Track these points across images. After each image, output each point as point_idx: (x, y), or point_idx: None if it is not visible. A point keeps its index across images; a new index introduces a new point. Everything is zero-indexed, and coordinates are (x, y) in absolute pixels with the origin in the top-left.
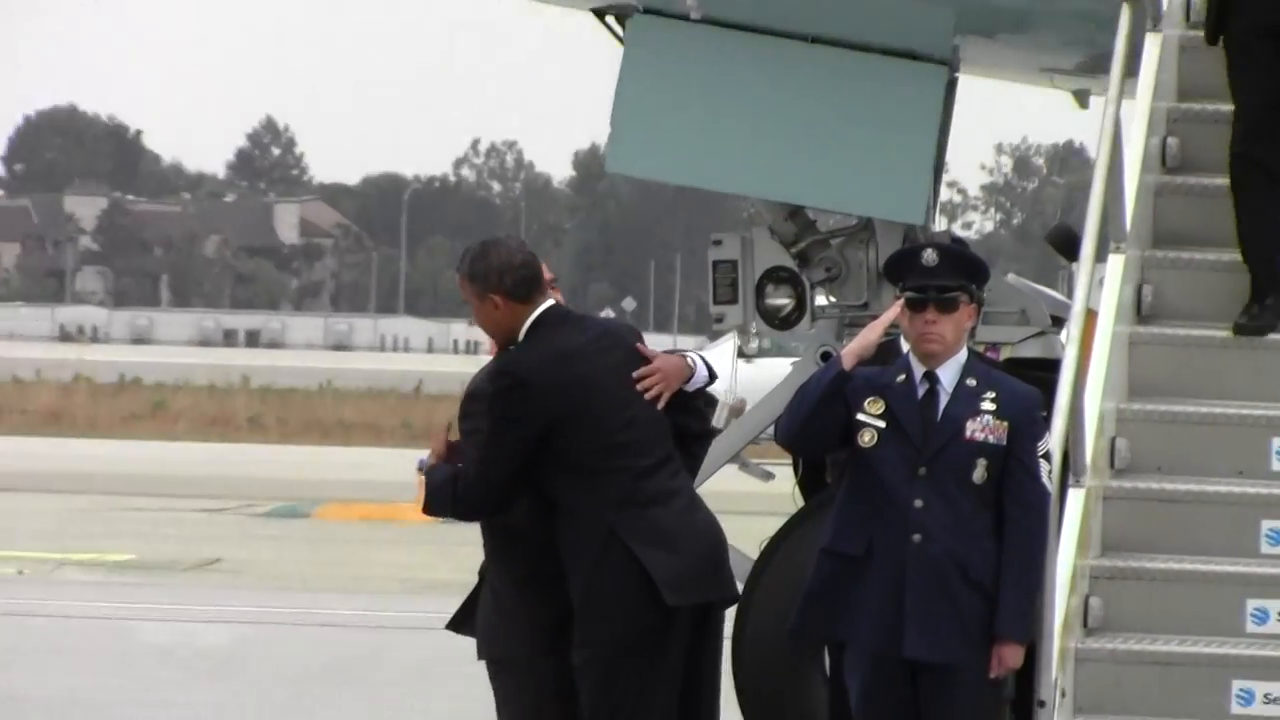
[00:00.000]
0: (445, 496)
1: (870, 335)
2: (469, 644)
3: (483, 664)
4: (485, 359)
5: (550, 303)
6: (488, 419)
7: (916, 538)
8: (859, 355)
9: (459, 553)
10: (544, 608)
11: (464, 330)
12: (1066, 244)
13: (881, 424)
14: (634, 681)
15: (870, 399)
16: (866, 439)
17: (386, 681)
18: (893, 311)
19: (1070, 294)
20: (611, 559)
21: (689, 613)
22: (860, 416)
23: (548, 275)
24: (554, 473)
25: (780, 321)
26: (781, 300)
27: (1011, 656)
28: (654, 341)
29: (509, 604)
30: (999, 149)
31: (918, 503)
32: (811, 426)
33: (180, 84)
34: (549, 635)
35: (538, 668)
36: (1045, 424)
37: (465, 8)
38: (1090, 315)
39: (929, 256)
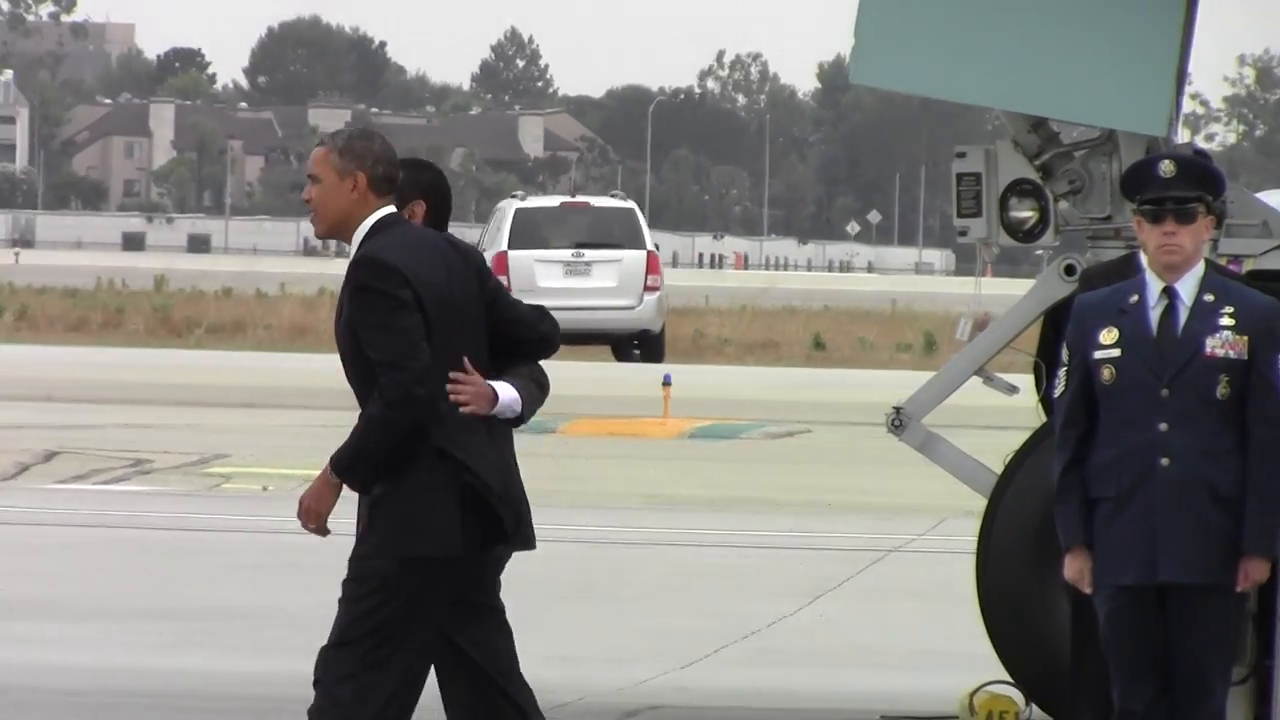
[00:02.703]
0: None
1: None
2: (714, 560)
3: (705, 580)
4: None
5: (392, 209)
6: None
7: (1164, 461)
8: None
9: (705, 468)
10: None
11: (708, 243)
12: None
13: (1117, 352)
14: None
15: (1105, 329)
16: (1106, 376)
17: (631, 597)
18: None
19: None
20: None
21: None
22: (1096, 355)
23: None
24: None
25: (1024, 234)
26: (1025, 213)
27: (1257, 571)
28: (898, 255)
29: None
30: (1241, 60)
31: (1162, 425)
32: None
33: None
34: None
35: None
36: None
37: None
38: None
39: (1165, 167)
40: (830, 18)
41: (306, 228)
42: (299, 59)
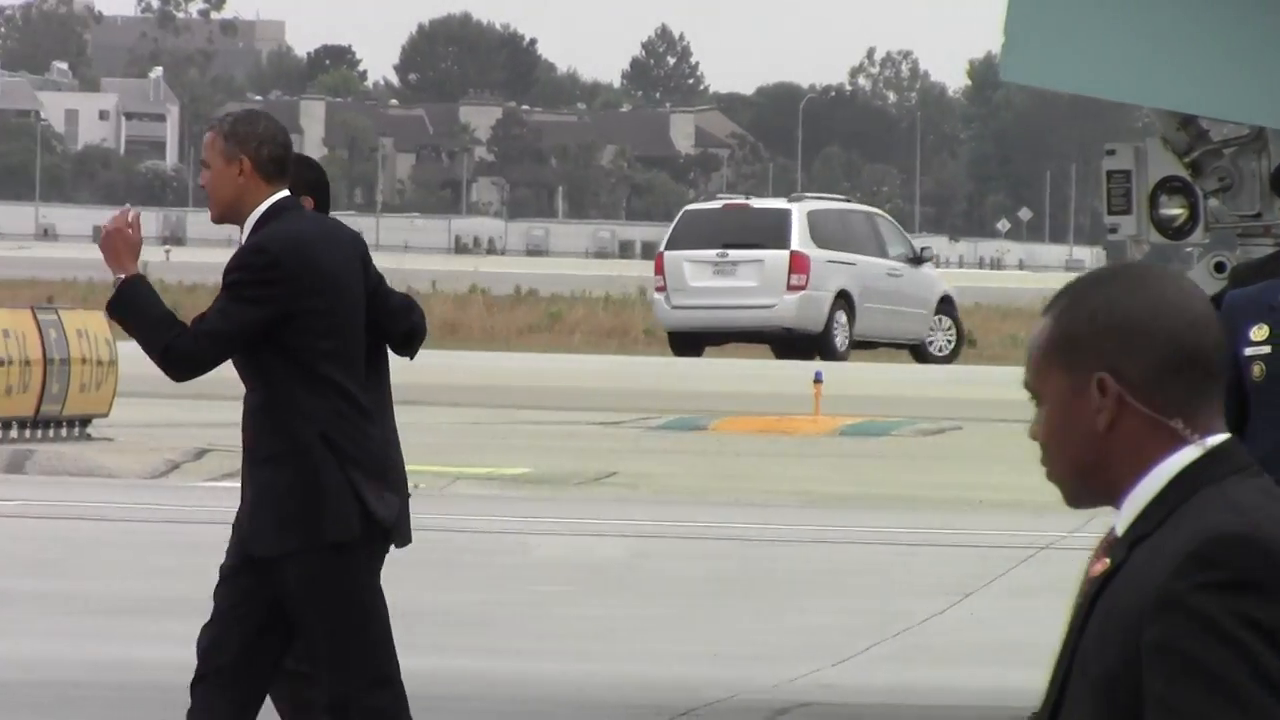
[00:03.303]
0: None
1: None
2: (865, 558)
3: (856, 577)
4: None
5: (287, 193)
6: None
7: None
8: None
9: (856, 466)
10: None
11: None
12: None
13: (1268, 349)
14: None
15: (1255, 326)
16: (1256, 373)
17: (779, 595)
18: None
19: None
20: None
21: None
22: (1247, 351)
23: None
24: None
25: (1173, 232)
26: (1175, 210)
27: None
28: (1049, 252)
29: None
30: None
31: None
32: None
33: None
34: None
35: None
36: None
37: None
38: None
39: None
40: (980, 15)
41: (458, 225)
42: (450, 56)
